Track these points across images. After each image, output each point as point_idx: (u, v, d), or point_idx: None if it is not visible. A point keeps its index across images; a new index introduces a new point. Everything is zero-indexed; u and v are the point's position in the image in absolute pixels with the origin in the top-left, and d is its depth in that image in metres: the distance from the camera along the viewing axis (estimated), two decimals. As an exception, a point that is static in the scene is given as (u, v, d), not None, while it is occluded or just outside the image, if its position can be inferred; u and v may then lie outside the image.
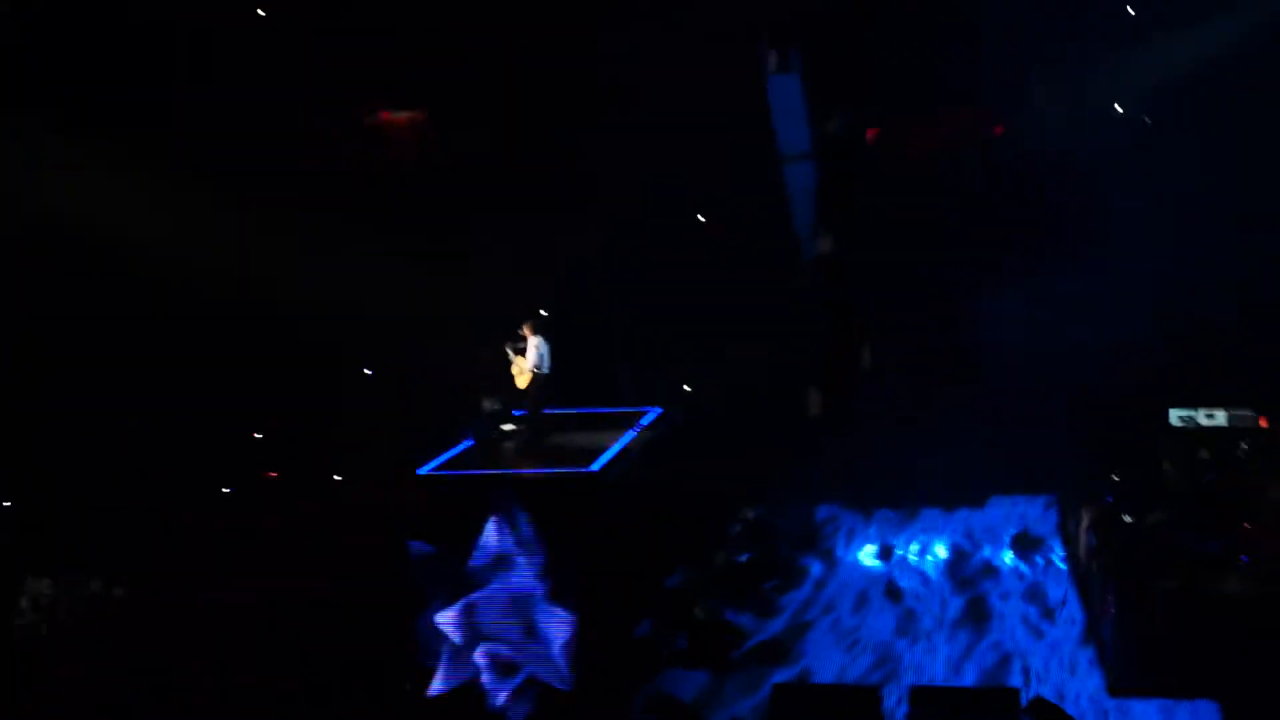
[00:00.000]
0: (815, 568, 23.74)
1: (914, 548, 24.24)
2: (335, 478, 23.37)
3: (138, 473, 23.08)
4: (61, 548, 21.23)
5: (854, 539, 24.75)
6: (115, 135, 23.53)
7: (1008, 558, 23.65)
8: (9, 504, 22.75)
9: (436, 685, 19.50)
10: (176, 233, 23.98)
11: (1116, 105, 25.22)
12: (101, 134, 23.40)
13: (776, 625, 21.86)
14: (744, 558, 23.78)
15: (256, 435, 24.43)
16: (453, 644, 19.45)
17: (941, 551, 24.01)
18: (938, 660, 20.43)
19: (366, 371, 25.29)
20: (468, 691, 19.47)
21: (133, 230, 23.68)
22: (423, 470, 21.07)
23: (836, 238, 26.71)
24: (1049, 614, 21.55)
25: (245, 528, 22.30)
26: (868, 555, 24.13)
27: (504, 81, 25.34)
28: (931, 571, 23.40)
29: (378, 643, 19.65)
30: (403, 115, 26.79)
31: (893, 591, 22.76)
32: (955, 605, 22.12)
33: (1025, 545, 23.98)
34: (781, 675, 20.02)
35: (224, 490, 23.55)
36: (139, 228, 23.74)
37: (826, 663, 20.60)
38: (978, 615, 21.73)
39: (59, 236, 23.25)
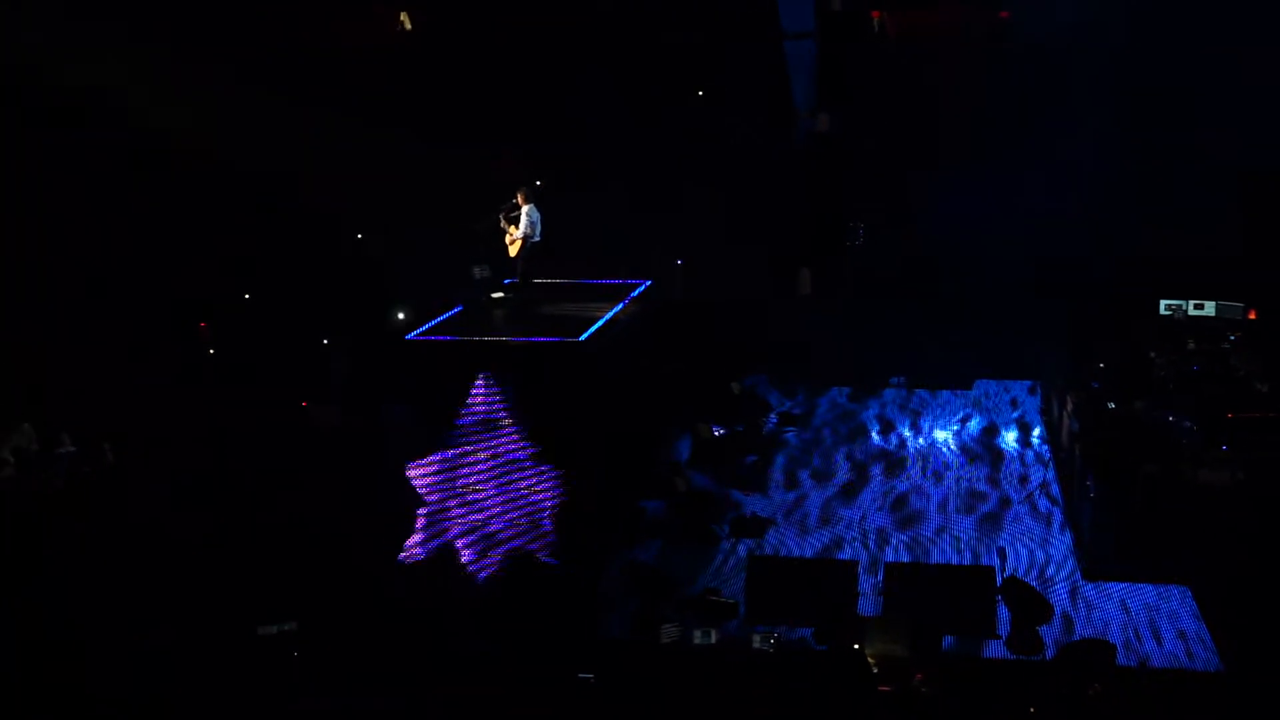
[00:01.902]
0: (801, 443, 23.89)
1: (902, 426, 24.34)
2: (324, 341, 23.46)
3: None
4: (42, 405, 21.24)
5: (839, 415, 24.85)
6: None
7: (1009, 438, 23.75)
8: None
9: (411, 549, 19.62)
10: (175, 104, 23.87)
11: None
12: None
13: (760, 498, 22.00)
14: (730, 431, 23.88)
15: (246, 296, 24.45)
16: (430, 505, 19.52)
17: (932, 430, 24.11)
18: (920, 537, 20.60)
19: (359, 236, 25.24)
20: (444, 559, 19.57)
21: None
22: (411, 335, 21.03)
23: (833, 117, 26.60)
24: (1029, 497, 21.70)
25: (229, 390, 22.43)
26: (854, 432, 24.23)
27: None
28: (918, 450, 23.49)
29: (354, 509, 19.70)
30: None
31: (877, 468, 22.88)
32: (940, 483, 22.27)
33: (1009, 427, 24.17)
34: (760, 548, 20.21)
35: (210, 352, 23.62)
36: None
37: (809, 537, 20.75)
38: (960, 494, 21.87)
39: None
